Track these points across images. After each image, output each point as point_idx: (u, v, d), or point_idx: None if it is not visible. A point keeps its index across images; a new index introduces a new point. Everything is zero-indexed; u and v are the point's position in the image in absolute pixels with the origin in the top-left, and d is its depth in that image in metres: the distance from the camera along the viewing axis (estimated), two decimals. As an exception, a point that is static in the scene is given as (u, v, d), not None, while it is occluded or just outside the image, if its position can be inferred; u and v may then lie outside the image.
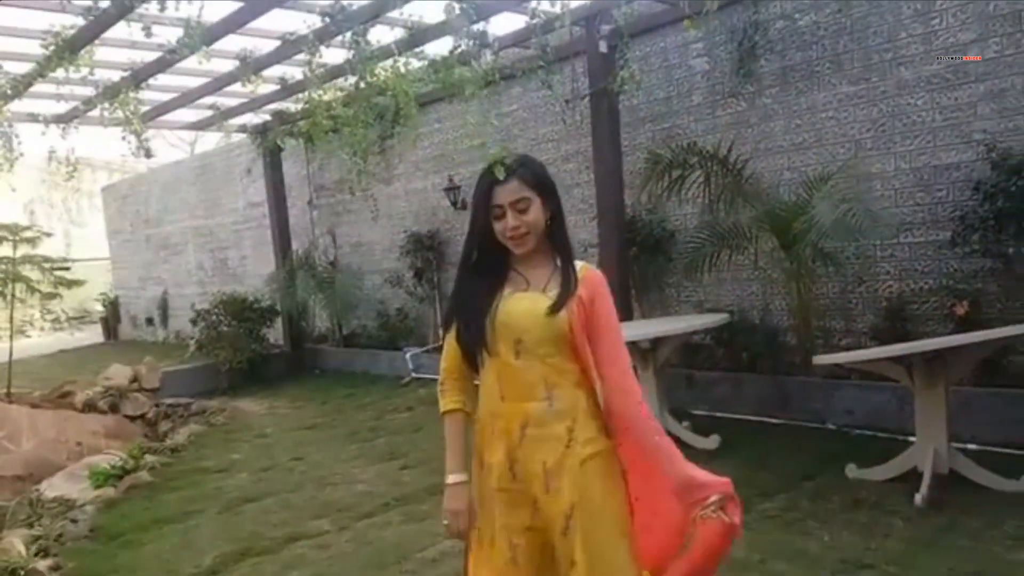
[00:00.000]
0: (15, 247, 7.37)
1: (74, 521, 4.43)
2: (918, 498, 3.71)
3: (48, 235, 7.88)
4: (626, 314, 6.29)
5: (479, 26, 5.85)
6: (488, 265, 1.89)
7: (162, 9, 4.50)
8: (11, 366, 7.70)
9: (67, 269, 8.95)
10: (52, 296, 7.85)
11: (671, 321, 5.82)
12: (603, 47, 5.97)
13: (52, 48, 5.17)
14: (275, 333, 9.87)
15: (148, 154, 6.06)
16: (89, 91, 6.55)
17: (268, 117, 9.02)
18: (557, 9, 5.50)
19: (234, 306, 8.83)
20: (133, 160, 11.30)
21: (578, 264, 1.88)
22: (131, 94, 6.15)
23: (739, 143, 5.99)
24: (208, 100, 7.93)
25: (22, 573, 3.59)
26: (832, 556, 3.24)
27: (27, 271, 7.56)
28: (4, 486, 5.92)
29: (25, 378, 8.34)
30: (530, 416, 1.80)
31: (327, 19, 5.63)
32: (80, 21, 5.06)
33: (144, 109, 7.05)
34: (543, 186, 1.86)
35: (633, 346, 5.18)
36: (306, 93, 7.41)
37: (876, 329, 5.42)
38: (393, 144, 9.15)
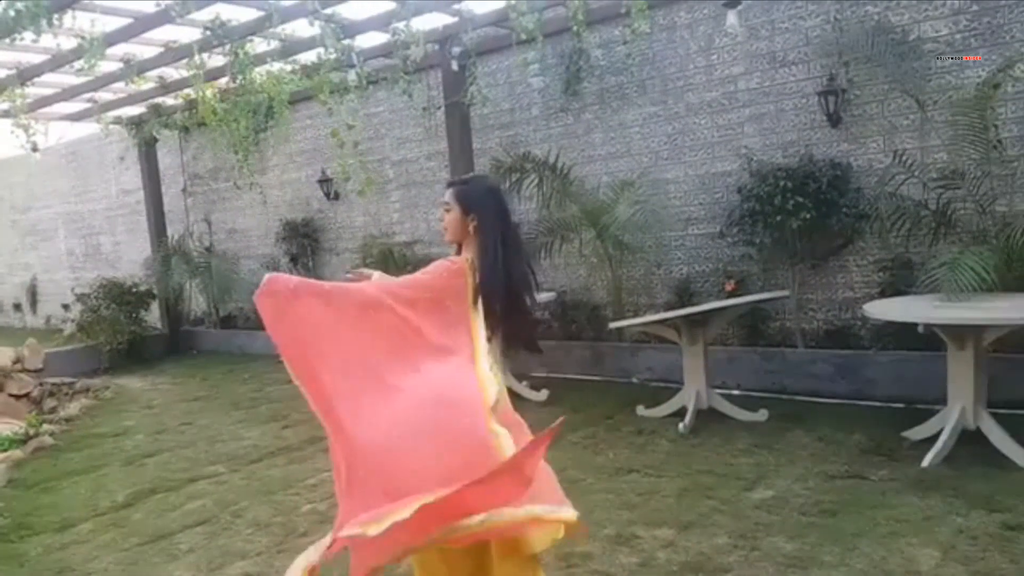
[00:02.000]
0: None
1: None
2: (681, 426, 5.02)
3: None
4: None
5: (346, 41, 6.75)
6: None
7: (60, 24, 5.09)
8: None
9: None
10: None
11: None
12: (455, 65, 7.00)
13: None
14: (153, 316, 10.29)
15: (35, 148, 6.51)
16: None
17: (144, 109, 9.42)
18: (414, 29, 6.50)
19: (113, 290, 9.24)
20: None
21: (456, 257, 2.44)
22: (17, 90, 6.57)
23: (568, 151, 7.20)
24: (87, 93, 8.31)
25: (-47, 517, 4.23)
26: (612, 466, 4.42)
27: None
28: None
29: None
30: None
31: (208, 32, 6.33)
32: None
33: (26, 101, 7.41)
34: (466, 201, 2.43)
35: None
36: (184, 91, 8.03)
37: (670, 304, 6.79)
38: (267, 137, 9.79)
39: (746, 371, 6.05)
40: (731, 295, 6.30)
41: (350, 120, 7.36)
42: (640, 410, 5.51)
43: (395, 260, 8.41)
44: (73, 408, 6.92)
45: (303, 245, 9.46)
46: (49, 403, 7.70)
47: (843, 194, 5.59)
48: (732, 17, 5.57)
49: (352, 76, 6.47)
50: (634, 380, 6.61)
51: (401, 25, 6.47)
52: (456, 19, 6.69)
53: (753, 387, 5.93)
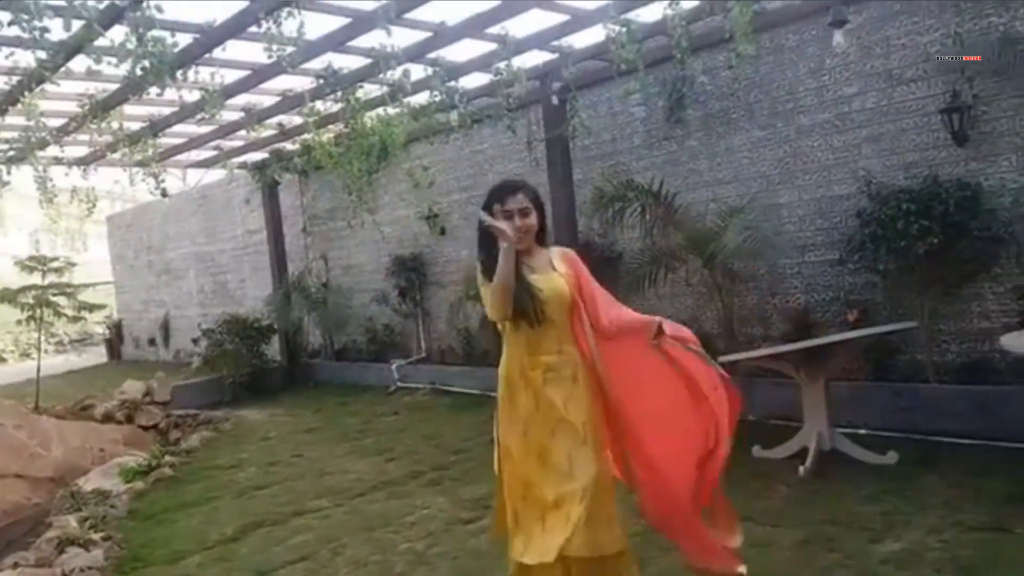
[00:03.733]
0: (43, 276, 8.28)
1: (113, 506, 5.35)
2: (801, 470, 4.66)
3: (73, 264, 8.81)
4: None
5: (451, 83, 6.90)
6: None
7: (184, 79, 5.46)
8: (39, 383, 8.59)
9: (70, 294, 9.82)
10: (77, 319, 8.77)
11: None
12: (555, 100, 6.99)
13: (87, 107, 6.13)
14: (273, 349, 10.80)
15: (164, 194, 7.01)
16: (107, 137, 7.52)
17: (266, 155, 10.00)
18: (515, 67, 6.55)
19: (236, 325, 9.77)
20: (134, 190, 12.26)
21: (554, 248, 2.75)
22: (149, 141, 7.13)
23: (672, 179, 7.01)
24: (214, 141, 8.91)
25: (81, 541, 4.51)
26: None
27: (52, 297, 8.45)
28: (39, 486, 6.80)
29: (41, 396, 9.23)
30: (548, 365, 2.59)
31: (321, 80, 6.63)
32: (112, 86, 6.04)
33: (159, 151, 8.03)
34: (539, 202, 2.69)
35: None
36: (302, 136, 8.46)
37: (787, 335, 6.40)
38: (379, 177, 10.16)
39: (873, 409, 5.56)
40: (855, 326, 5.87)
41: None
42: (756, 451, 5.16)
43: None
44: (194, 440, 7.29)
45: (411, 279, 9.67)
46: (174, 434, 8.17)
47: (974, 216, 5.10)
48: (839, 37, 5.29)
49: (454, 116, 6.57)
50: (751, 417, 6.24)
51: (502, 65, 6.54)
52: (556, 55, 6.71)
53: (881, 426, 5.43)
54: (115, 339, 16.17)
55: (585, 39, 6.64)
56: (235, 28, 4.82)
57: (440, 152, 9.15)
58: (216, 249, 13.39)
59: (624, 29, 6.00)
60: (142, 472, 6.21)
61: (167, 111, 6.89)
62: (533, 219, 2.63)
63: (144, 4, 4.02)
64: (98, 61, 4.32)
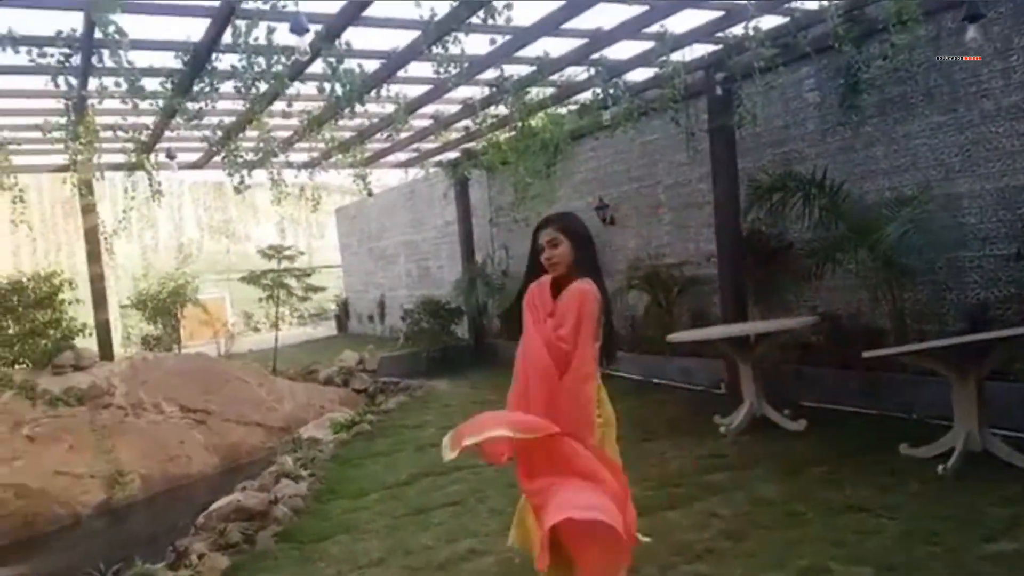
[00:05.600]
0: (279, 262, 9.95)
1: (321, 451, 6.50)
2: (940, 468, 4.56)
3: (301, 253, 10.45)
4: (740, 315, 7.35)
5: (615, 80, 7.28)
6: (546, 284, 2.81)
7: (378, 96, 6.42)
8: (276, 352, 10.33)
9: (309, 276, 11.55)
10: (304, 299, 10.42)
11: (765, 323, 6.86)
12: (719, 91, 7.10)
13: (305, 123, 7.35)
14: (463, 329, 11.89)
15: (370, 193, 8.15)
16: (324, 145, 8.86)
17: (458, 154, 11.02)
18: (675, 60, 6.77)
19: (431, 307, 10.93)
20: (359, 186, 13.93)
21: (577, 282, 2.70)
22: (357, 147, 8.32)
23: (846, 166, 6.84)
24: (413, 144, 10.05)
25: (293, 475, 5.62)
26: (843, 503, 4.21)
27: (286, 280, 10.13)
28: (273, 433, 8.28)
29: (281, 361, 11.02)
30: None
31: (493, 89, 7.35)
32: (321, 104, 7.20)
33: (367, 155, 9.27)
34: (570, 231, 2.76)
35: (733, 341, 6.36)
36: (487, 136, 9.30)
37: (963, 332, 6.04)
38: (556, 170, 10.76)
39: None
40: (1036, 324, 5.46)
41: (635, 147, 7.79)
42: (903, 448, 5.06)
43: (662, 281, 8.69)
44: (392, 403, 8.44)
45: (584, 269, 10.15)
46: (379, 398, 9.43)
47: None
48: (972, 31, 4.98)
49: (607, 115, 6.97)
50: (914, 416, 6.02)
51: (664, 59, 6.79)
52: (719, 47, 6.82)
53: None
54: (342, 315, 18.49)
55: (753, 26, 6.67)
56: (410, 55, 5.62)
57: (611, 144, 9.53)
58: (421, 238, 14.86)
59: (789, 18, 6.05)
60: (347, 426, 7.39)
61: (375, 119, 8.01)
62: (562, 248, 2.71)
63: (336, 42, 4.92)
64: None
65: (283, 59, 5.02)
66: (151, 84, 5.91)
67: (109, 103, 6.29)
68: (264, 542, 4.24)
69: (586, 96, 7.98)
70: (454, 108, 8.22)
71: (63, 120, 6.41)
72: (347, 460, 6.19)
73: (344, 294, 18.94)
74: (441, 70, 5.27)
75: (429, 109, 8.08)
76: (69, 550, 5.31)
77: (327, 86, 5.26)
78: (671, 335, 6.65)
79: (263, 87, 5.66)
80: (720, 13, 6.11)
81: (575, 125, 7.97)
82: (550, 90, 7.89)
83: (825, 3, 5.67)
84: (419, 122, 8.37)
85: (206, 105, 5.64)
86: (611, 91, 7.30)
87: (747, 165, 7.67)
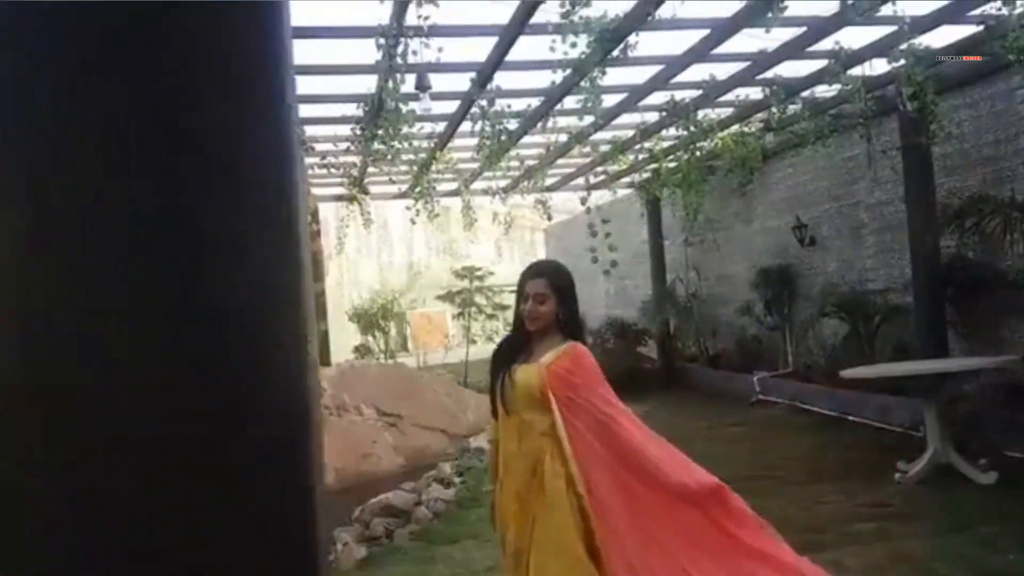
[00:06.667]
0: (471, 282, 10.76)
1: (480, 461, 6.93)
2: None
3: (491, 273, 11.18)
4: (938, 350, 6.60)
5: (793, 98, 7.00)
6: (518, 337, 2.61)
7: (544, 129, 6.82)
8: (467, 363, 11.12)
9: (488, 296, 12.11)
10: (492, 316, 11.13)
11: (956, 361, 6.13)
12: (908, 106, 6.50)
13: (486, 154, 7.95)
14: (652, 350, 11.83)
15: (549, 217, 8.57)
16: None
17: (647, 175, 11.06)
18: (853, 76, 6.35)
19: (615, 327, 11.05)
20: (570, 204, 14.42)
21: (568, 343, 2.50)
22: (540, 174, 8.80)
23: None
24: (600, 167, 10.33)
25: (446, 480, 6.10)
26: (997, 569, 3.75)
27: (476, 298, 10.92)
28: (455, 440, 8.93)
29: (473, 374, 11.76)
30: (507, 454, 2.50)
31: (663, 114, 7.40)
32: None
33: (551, 182, 9.74)
34: (559, 288, 2.52)
35: (918, 380, 5.80)
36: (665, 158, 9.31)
37: None
38: (754, 188, 10.37)
39: None
40: None
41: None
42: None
43: (862, 309, 8.03)
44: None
45: (778, 291, 9.69)
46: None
47: None
48: None
49: (773, 137, 6.71)
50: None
51: (840, 75, 6.40)
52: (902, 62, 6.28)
53: None
54: (546, 332, 19.17)
55: (944, 38, 6.08)
56: (565, 89, 5.94)
57: (809, 161, 9.03)
58: (619, 257, 15.00)
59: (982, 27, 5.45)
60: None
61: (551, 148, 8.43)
62: (548, 307, 2.48)
63: (488, 87, 5.39)
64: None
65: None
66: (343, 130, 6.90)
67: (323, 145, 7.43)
68: (400, 539, 4.73)
69: (763, 116, 7.73)
70: (628, 133, 8.38)
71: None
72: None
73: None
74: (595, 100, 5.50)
75: (606, 135, 8.32)
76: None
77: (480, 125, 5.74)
78: (845, 371, 6.20)
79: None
80: (892, 28, 5.65)
81: (757, 145, 7.74)
82: (728, 110, 7.75)
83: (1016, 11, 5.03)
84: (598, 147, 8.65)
85: (389, 146, 6.37)
86: (786, 109, 7.03)
87: (955, 184, 6.91)
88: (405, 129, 5.53)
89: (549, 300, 2.49)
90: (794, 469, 6.15)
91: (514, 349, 2.60)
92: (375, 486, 7.56)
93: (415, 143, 7.18)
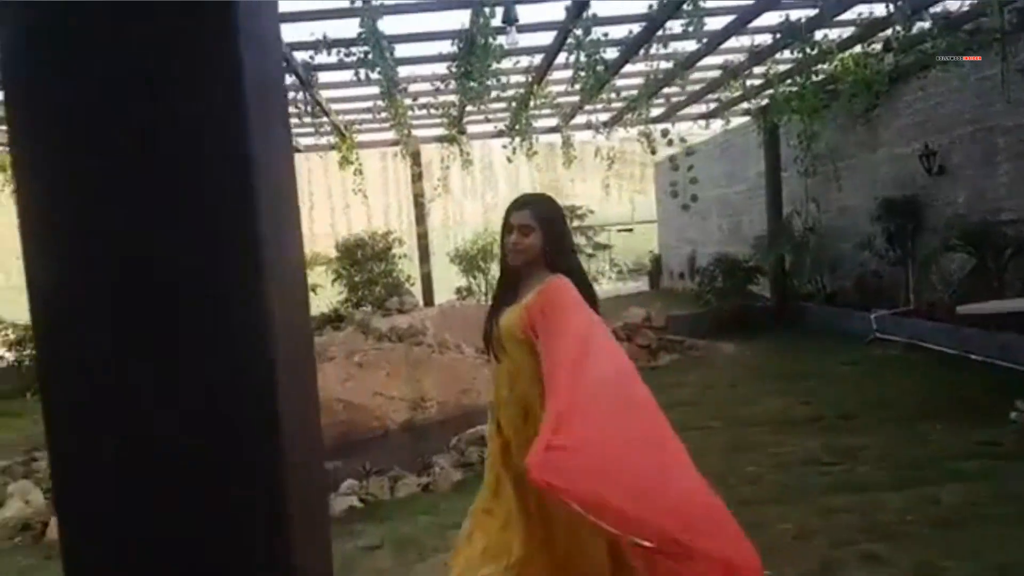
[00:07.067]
0: (571, 221, 10.63)
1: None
2: None
3: (591, 212, 10.99)
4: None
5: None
6: (508, 278, 2.53)
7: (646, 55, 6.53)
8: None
9: (630, 231, 12.04)
10: (591, 256, 10.97)
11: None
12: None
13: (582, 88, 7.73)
14: (765, 288, 11.35)
15: (653, 151, 8.29)
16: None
17: (766, 101, 10.39)
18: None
19: (726, 265, 10.66)
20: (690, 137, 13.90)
21: (553, 276, 2.35)
22: (646, 104, 8.49)
23: None
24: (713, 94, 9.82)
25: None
26: None
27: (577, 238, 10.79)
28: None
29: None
30: (500, 401, 2.44)
31: (777, 35, 6.91)
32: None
33: (657, 113, 9.36)
34: (544, 219, 2.41)
35: None
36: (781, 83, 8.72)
37: None
38: (880, 113, 9.57)
39: None
40: None
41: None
42: None
43: (991, 241, 7.36)
44: (664, 360, 8.61)
45: (901, 224, 9.01)
46: (662, 356, 9.61)
47: None
48: None
49: (887, 60, 6.12)
50: None
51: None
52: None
53: None
54: (654, 271, 18.77)
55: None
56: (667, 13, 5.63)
57: (942, 83, 8.23)
58: (732, 191, 14.37)
59: None
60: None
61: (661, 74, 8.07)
62: (532, 239, 2.38)
63: (584, 16, 5.20)
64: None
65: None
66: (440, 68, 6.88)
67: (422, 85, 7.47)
68: (493, 467, 4.88)
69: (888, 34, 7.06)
70: (742, 57, 7.89)
71: (382, 103, 7.74)
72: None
73: (656, 250, 19.16)
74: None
75: (718, 59, 7.88)
76: (376, 453, 6.63)
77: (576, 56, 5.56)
78: (960, 307, 5.74)
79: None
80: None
81: (883, 67, 7.10)
82: (850, 30, 7.13)
83: None
84: (706, 74, 8.21)
85: (481, 83, 6.31)
86: (912, 27, 6.39)
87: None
88: (495, 65, 5.43)
89: (533, 232, 2.38)
90: (904, 406, 5.84)
91: (505, 292, 2.52)
92: (472, 417, 7.85)
93: (511, 78, 7.08)
